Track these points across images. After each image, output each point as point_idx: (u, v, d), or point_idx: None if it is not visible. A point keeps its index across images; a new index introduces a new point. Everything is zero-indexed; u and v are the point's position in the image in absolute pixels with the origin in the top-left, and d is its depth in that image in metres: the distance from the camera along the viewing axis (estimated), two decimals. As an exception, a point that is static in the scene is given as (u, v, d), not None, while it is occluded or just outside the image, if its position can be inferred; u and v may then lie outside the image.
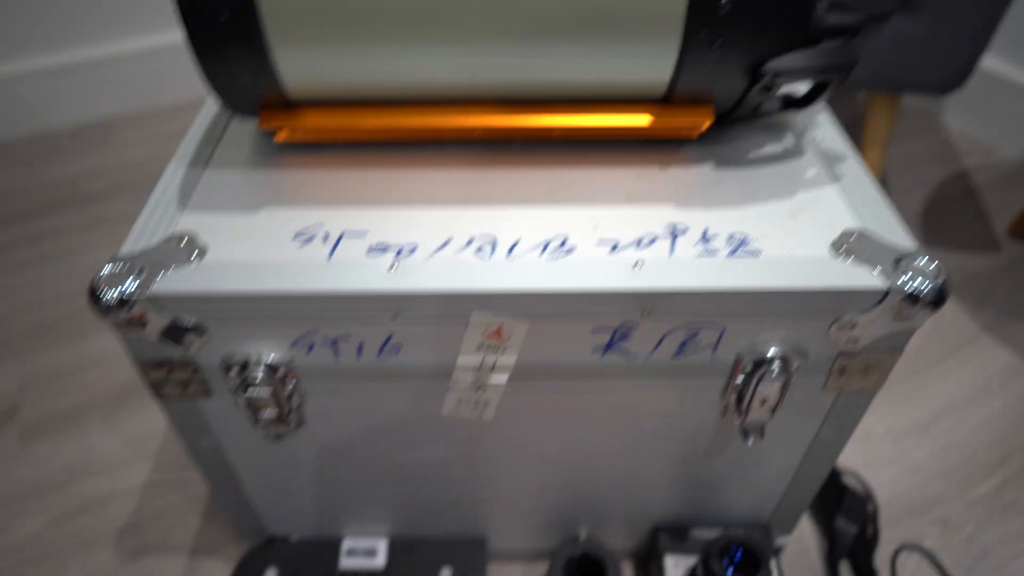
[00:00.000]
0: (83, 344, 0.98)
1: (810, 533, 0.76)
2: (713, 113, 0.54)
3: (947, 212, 1.20)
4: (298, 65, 0.49)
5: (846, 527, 0.72)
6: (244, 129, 0.60)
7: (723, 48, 0.48)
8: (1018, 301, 1.02)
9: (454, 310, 0.46)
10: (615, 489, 0.64)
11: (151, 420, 0.88)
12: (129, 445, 0.85)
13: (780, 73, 0.50)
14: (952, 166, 1.31)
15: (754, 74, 0.50)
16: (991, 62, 1.34)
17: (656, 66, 0.50)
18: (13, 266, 1.13)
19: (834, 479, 0.76)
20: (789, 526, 0.69)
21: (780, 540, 0.71)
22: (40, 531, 0.76)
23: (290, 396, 0.52)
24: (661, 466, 0.61)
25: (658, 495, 0.65)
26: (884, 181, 1.27)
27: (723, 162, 0.56)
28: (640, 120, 0.53)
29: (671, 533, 0.66)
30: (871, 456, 0.83)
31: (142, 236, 0.49)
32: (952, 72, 0.98)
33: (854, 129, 1.37)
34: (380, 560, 0.65)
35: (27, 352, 0.97)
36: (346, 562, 0.64)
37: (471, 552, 0.66)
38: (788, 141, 0.59)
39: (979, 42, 0.96)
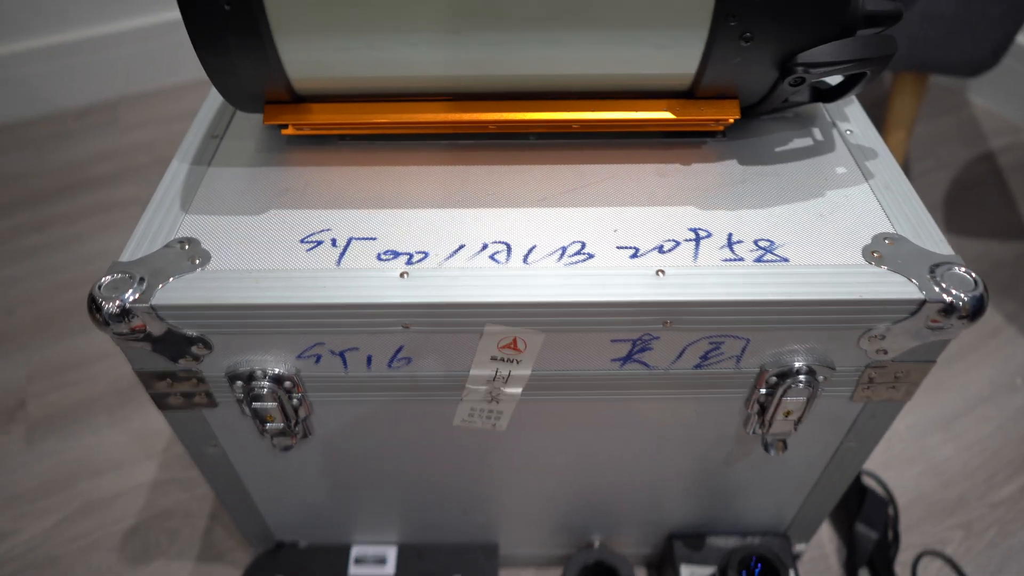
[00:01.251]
0: (89, 336, 0.96)
1: (828, 539, 0.74)
2: (739, 108, 0.51)
3: (971, 196, 1.16)
4: (304, 56, 0.46)
5: (866, 533, 0.70)
6: (249, 122, 0.58)
7: (753, 39, 0.46)
8: (1045, 291, 1.00)
9: (468, 321, 0.44)
10: (630, 497, 0.63)
11: (158, 415, 0.87)
12: (136, 441, 0.84)
13: (813, 66, 0.47)
14: (977, 147, 1.27)
15: (785, 66, 0.47)
16: (1021, 37, 1.29)
17: (682, 57, 0.47)
18: (19, 254, 1.12)
19: (854, 481, 0.75)
20: (808, 534, 0.67)
21: (798, 547, 0.69)
22: (46, 533, 0.76)
23: (297, 408, 0.50)
24: (678, 475, 0.59)
25: (674, 503, 0.63)
26: (908, 162, 1.23)
27: (748, 158, 0.54)
28: (663, 114, 0.51)
29: (687, 541, 0.65)
30: (891, 455, 0.81)
31: (143, 241, 0.47)
32: (985, 51, 0.94)
33: (878, 109, 1.33)
34: (389, 567, 0.64)
35: (34, 344, 0.96)
36: (355, 570, 0.63)
37: (482, 559, 0.64)
38: (817, 135, 0.56)
39: (1014, 20, 0.92)
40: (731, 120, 0.51)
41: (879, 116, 1.31)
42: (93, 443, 0.84)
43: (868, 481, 0.76)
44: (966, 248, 1.06)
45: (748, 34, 0.45)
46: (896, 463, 0.80)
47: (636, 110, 0.51)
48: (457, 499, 0.63)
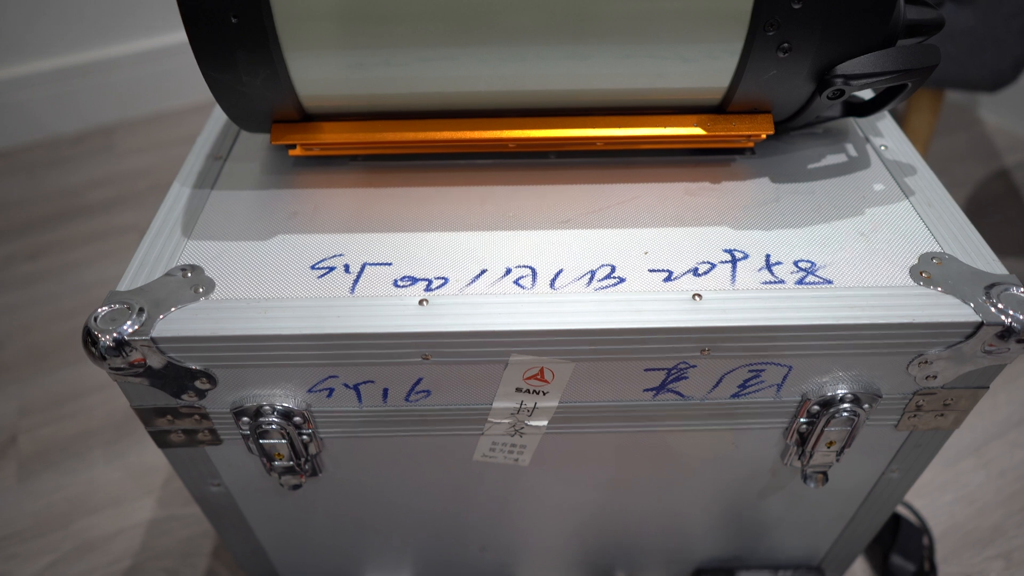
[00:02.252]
0: (84, 367, 0.93)
1: (862, 571, 0.70)
2: (772, 123, 0.48)
3: (988, 214, 1.14)
4: (314, 72, 0.44)
5: (903, 564, 0.67)
6: (255, 141, 0.55)
7: (792, 49, 0.43)
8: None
9: (492, 351, 0.41)
10: (656, 530, 0.59)
11: (156, 449, 0.83)
12: (133, 477, 0.80)
13: (853, 77, 0.44)
14: (991, 164, 1.25)
15: (822, 78, 0.45)
16: (1029, 55, 1.28)
17: (716, 71, 0.45)
18: (13, 282, 1.09)
19: (888, 509, 0.71)
20: (843, 567, 0.64)
21: (835, 580, 0.66)
22: (38, 575, 0.72)
23: (307, 445, 0.47)
24: (708, 508, 0.56)
25: (703, 536, 0.60)
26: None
27: (780, 176, 0.51)
28: (693, 130, 0.48)
29: (715, 575, 0.61)
30: (923, 482, 0.78)
31: (143, 269, 0.44)
32: (1005, 66, 0.92)
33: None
34: (405, 610, 0.60)
35: (26, 376, 0.93)
36: (368, 612, 0.60)
37: (503, 599, 0.61)
38: (850, 151, 0.54)
39: (1028, 36, 0.90)
40: (763, 136, 0.48)
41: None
42: (88, 480, 0.80)
43: (901, 510, 0.72)
44: (985, 266, 1.04)
45: (786, 44, 0.43)
46: (928, 490, 0.77)
47: (665, 126, 0.48)
48: (475, 536, 0.60)
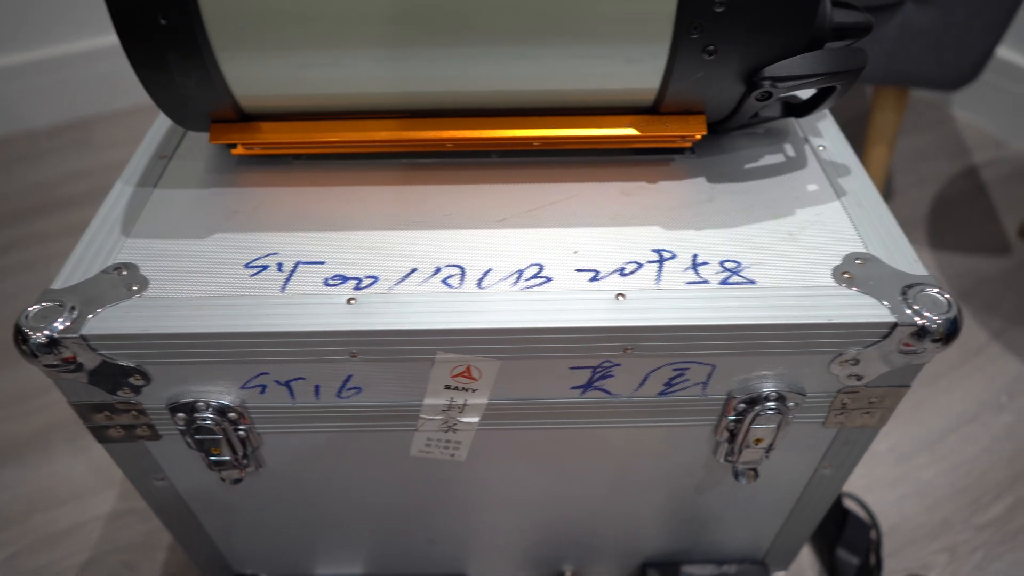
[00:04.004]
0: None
1: (809, 565, 0.71)
2: (706, 123, 0.49)
3: (955, 211, 1.15)
4: (249, 73, 0.44)
5: (848, 558, 0.68)
6: (201, 140, 0.56)
7: (717, 52, 0.44)
8: (1029, 307, 0.98)
9: (418, 349, 0.42)
10: (601, 525, 0.60)
11: (122, 441, 0.84)
12: (96, 471, 0.81)
13: (779, 80, 0.45)
14: (961, 161, 1.26)
15: (751, 81, 0.46)
16: (1001, 51, 1.29)
17: (644, 73, 0.45)
18: (-16, 276, 1.09)
19: (835, 504, 0.72)
20: (787, 560, 0.65)
21: (777, 574, 0.67)
22: (-1, 566, 0.73)
23: (244, 439, 0.48)
24: (650, 503, 0.57)
25: (647, 531, 0.61)
26: (890, 178, 1.22)
27: (717, 175, 0.52)
28: (627, 131, 0.49)
29: (661, 570, 0.62)
30: (874, 477, 0.79)
31: (79, 267, 0.45)
32: (965, 66, 0.93)
33: (859, 124, 1.32)
34: (352, 602, 0.61)
35: (-5, 369, 0.93)
36: (316, 604, 0.60)
37: (450, 591, 0.62)
38: (788, 151, 0.54)
39: (994, 33, 0.91)
40: (698, 136, 0.49)
41: (860, 130, 1.29)
42: (50, 474, 0.81)
43: (850, 504, 0.73)
44: (950, 264, 1.05)
45: (711, 47, 0.43)
46: (879, 485, 0.78)
47: (598, 127, 0.49)
48: (422, 529, 0.60)
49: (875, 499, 0.77)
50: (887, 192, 1.18)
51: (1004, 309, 0.98)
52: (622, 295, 0.42)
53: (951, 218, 1.14)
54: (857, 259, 0.45)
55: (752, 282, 0.44)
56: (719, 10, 0.41)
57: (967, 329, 0.95)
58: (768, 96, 0.47)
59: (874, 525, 0.72)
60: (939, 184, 1.20)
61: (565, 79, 0.46)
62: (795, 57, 0.45)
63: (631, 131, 0.49)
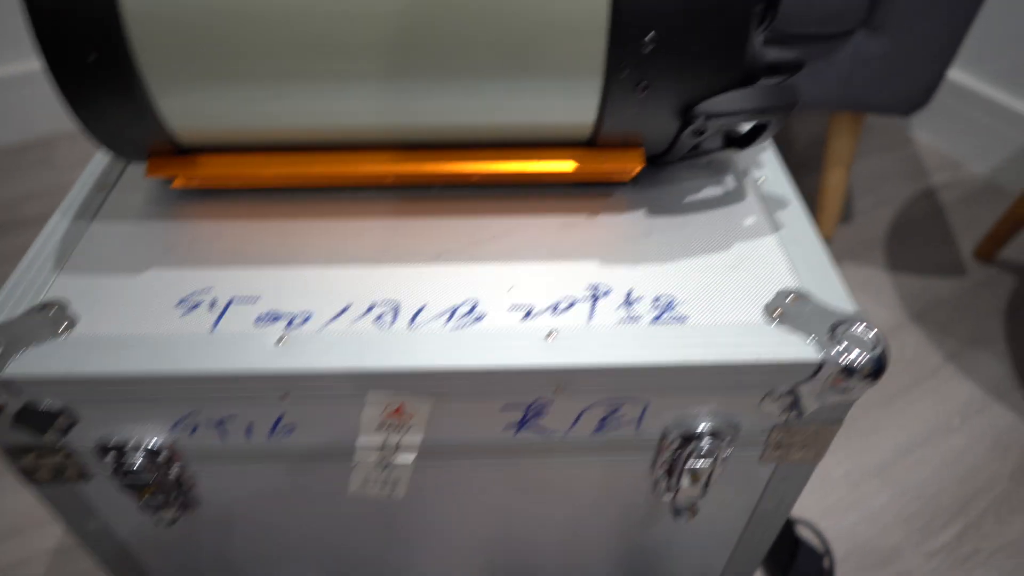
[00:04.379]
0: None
1: (763, 591, 0.72)
2: (644, 157, 0.49)
3: (913, 233, 1.16)
4: (183, 109, 0.44)
5: (800, 585, 0.68)
6: (142, 171, 0.55)
7: (649, 90, 0.44)
8: (982, 329, 0.99)
9: (348, 389, 0.42)
10: (547, 559, 0.60)
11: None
12: (39, 505, 0.79)
13: (713, 116, 0.45)
14: (919, 183, 1.27)
15: (686, 116, 0.46)
16: (958, 75, 1.31)
17: (578, 108, 0.46)
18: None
19: (787, 531, 0.73)
20: (738, 589, 0.65)
21: (728, 603, 0.67)
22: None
23: (176, 480, 0.47)
24: (594, 537, 0.57)
25: (594, 563, 0.61)
26: (849, 199, 1.23)
27: (657, 208, 0.52)
28: (563, 165, 0.49)
29: (610, 601, 0.62)
30: (828, 503, 0.79)
31: (5, 305, 0.44)
32: (916, 91, 0.94)
33: (819, 145, 1.34)
34: (295, 638, 0.60)
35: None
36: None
37: (395, 627, 0.61)
38: (728, 183, 0.55)
39: (944, 59, 0.92)
40: (636, 170, 0.49)
41: (818, 154, 1.31)
42: (-2, 505, 0.79)
43: (804, 532, 0.74)
44: (907, 285, 1.06)
45: (644, 83, 0.44)
46: (832, 512, 0.78)
47: (537, 160, 0.49)
48: (367, 565, 0.60)
49: (829, 525, 0.77)
50: (846, 213, 1.20)
51: (958, 331, 0.99)
52: (553, 333, 0.42)
53: (908, 239, 1.15)
54: (789, 295, 0.45)
55: (684, 319, 0.44)
56: (647, 52, 0.42)
57: (921, 350, 0.96)
58: (703, 131, 0.47)
59: (827, 553, 0.72)
60: (897, 205, 1.22)
61: (502, 114, 0.46)
62: (727, 93, 0.46)
63: (569, 165, 0.49)
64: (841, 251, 1.11)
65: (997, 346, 0.95)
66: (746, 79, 0.46)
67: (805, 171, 1.26)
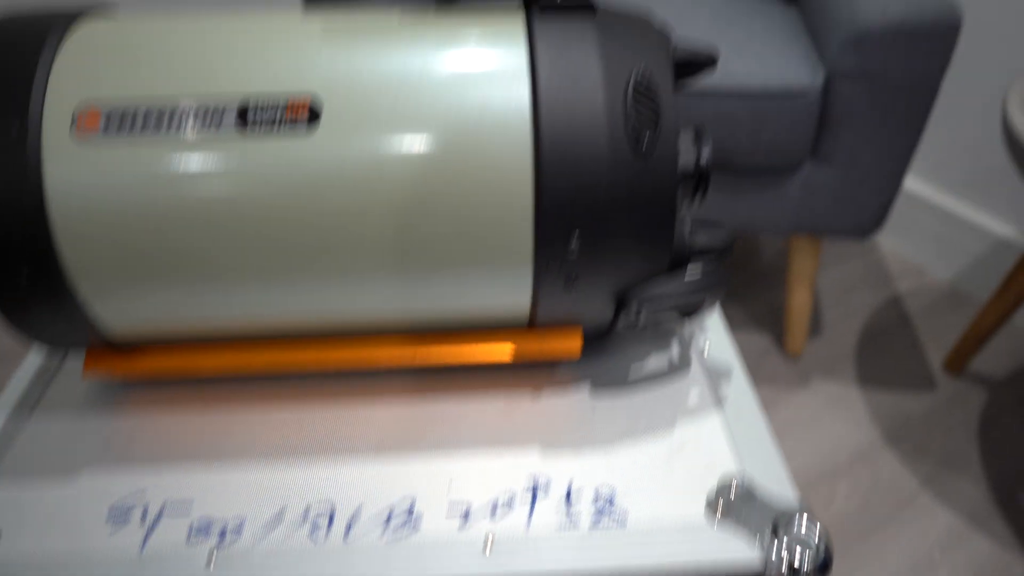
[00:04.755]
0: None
1: None
2: (582, 337, 0.50)
3: (882, 346, 1.17)
4: (118, 316, 0.44)
5: None
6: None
7: (579, 281, 0.45)
8: (956, 449, 0.98)
9: (278, 610, 0.41)
10: None
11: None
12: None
13: (646, 301, 0.46)
14: (885, 291, 1.29)
15: (621, 300, 0.47)
16: (914, 184, 1.34)
17: (514, 301, 0.46)
18: None
19: None
20: None
21: None
22: None
23: None
24: None
25: None
26: (817, 313, 1.24)
27: (601, 382, 0.52)
28: (503, 347, 0.49)
29: None
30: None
31: (-73, 523, 0.43)
32: (867, 218, 0.96)
33: (784, 257, 1.36)
34: None
35: None
36: None
37: None
38: (673, 352, 0.55)
39: (891, 187, 0.95)
40: (576, 349, 0.50)
41: (781, 271, 1.33)
42: None
43: None
44: (879, 404, 1.06)
45: (573, 274, 0.44)
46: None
47: (478, 343, 0.50)
48: None
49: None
50: (814, 327, 1.20)
51: (933, 451, 0.98)
52: (490, 541, 0.42)
53: (878, 352, 1.16)
54: (731, 485, 0.45)
55: (625, 516, 0.43)
56: (572, 257, 0.43)
57: (896, 476, 0.95)
58: (638, 315, 0.48)
59: None
60: (865, 316, 1.23)
61: (442, 305, 0.46)
62: (659, 279, 0.46)
63: (508, 348, 0.49)
64: (811, 367, 1.11)
65: (972, 468, 0.94)
66: (676, 263, 0.47)
67: (771, 283, 1.28)
